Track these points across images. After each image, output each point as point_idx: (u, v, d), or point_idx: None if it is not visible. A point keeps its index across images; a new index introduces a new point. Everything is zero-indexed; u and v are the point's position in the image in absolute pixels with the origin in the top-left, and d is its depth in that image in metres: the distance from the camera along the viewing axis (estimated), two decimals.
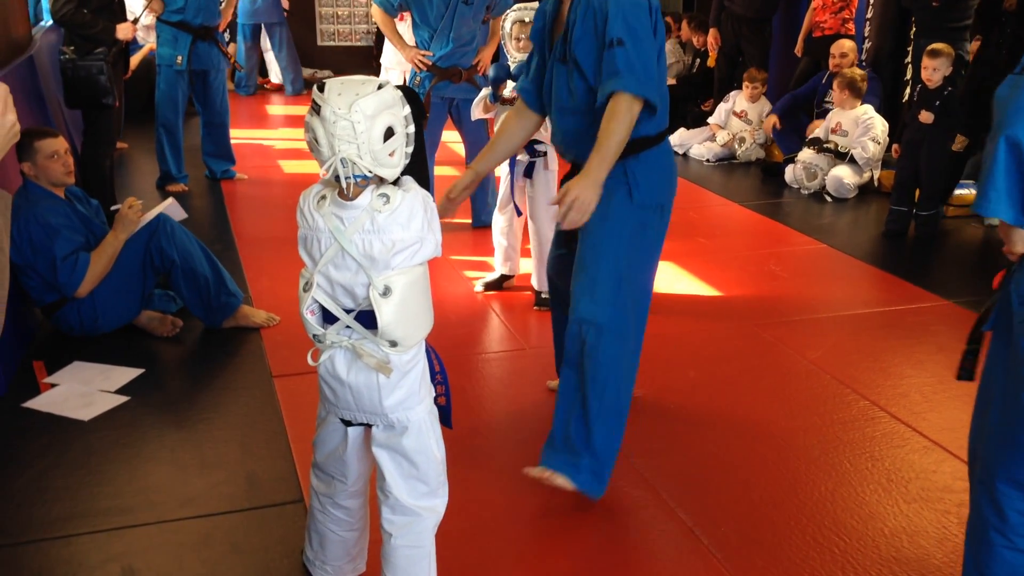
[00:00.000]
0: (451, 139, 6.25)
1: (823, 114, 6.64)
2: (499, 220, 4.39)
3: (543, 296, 4.24)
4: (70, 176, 3.84)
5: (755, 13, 7.64)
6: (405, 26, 5.81)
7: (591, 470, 2.72)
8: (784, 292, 4.59)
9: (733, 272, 4.82)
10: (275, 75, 10.59)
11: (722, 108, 7.55)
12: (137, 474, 2.95)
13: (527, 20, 4.12)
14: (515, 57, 4.18)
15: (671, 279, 4.71)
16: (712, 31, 7.94)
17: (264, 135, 8.18)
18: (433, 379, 2.22)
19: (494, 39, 5.13)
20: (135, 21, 5.65)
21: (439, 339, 3.95)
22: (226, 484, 2.89)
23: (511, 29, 4.21)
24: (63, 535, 2.63)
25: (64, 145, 3.83)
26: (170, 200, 4.10)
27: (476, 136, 5.23)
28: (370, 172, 1.92)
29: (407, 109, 1.97)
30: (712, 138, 7.48)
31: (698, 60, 8.97)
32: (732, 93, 7.55)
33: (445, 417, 2.27)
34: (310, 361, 2.10)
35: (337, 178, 1.93)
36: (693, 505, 2.79)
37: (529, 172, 4.13)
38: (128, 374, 3.58)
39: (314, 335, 2.09)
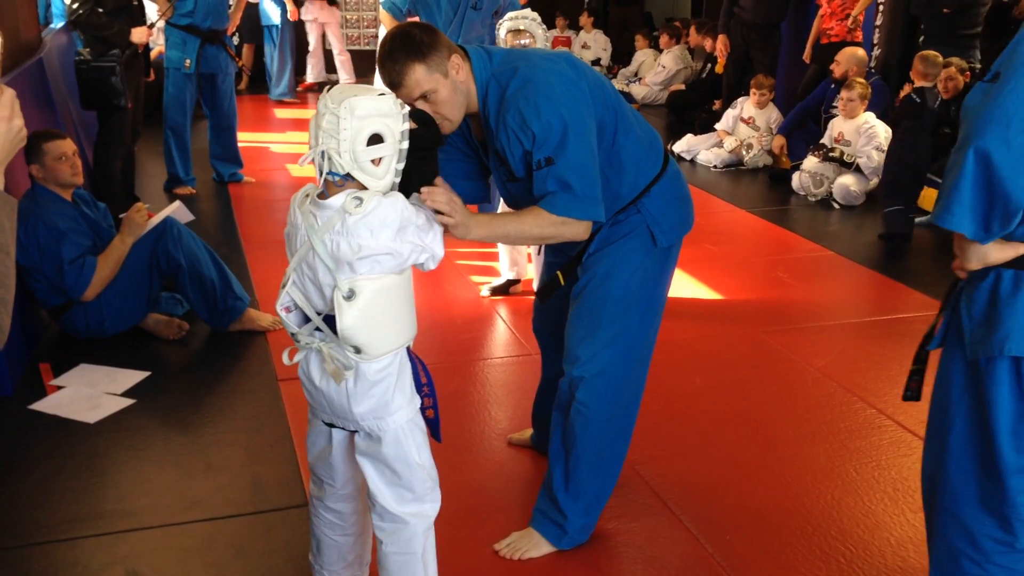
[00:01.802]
0: None
1: (830, 120, 6.62)
2: None
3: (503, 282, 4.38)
4: (78, 177, 3.85)
5: (764, 19, 7.63)
6: None
7: (578, 528, 2.59)
8: (791, 299, 4.58)
9: (740, 278, 4.82)
10: (311, 75, 10.64)
11: (730, 114, 7.55)
12: (142, 477, 2.96)
13: (522, 28, 4.13)
14: None
15: (678, 285, 4.66)
16: (721, 37, 7.94)
17: (272, 139, 8.20)
18: (420, 390, 2.14)
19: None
20: (151, 26, 5.67)
21: (445, 343, 3.97)
22: (231, 488, 2.89)
23: (505, 37, 4.20)
24: (68, 537, 2.64)
25: (72, 147, 3.84)
26: (177, 203, 4.12)
27: None
28: (345, 171, 1.89)
29: (406, 126, 1.94)
30: (719, 144, 7.47)
31: (708, 66, 8.97)
32: (740, 99, 7.54)
33: (434, 430, 2.21)
34: (285, 360, 2.06)
35: (325, 179, 1.93)
36: (698, 513, 2.78)
37: None
38: (134, 377, 3.59)
39: (292, 333, 2.05)
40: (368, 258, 1.92)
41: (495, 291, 4.51)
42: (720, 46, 7.98)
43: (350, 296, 1.92)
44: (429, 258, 2.04)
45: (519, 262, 4.48)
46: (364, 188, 1.93)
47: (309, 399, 2.14)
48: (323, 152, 1.89)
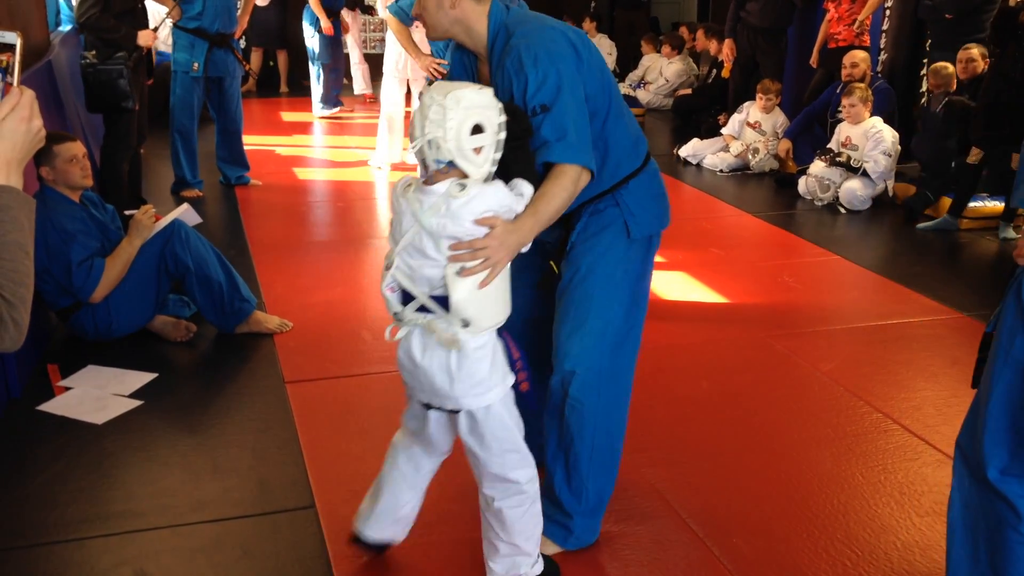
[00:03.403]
0: None
1: (836, 124, 6.62)
2: None
3: None
4: (88, 179, 3.87)
5: (771, 24, 7.64)
6: (420, 34, 5.84)
7: (583, 528, 2.61)
8: (797, 303, 4.58)
9: (746, 283, 4.82)
10: (359, 85, 10.35)
11: (736, 119, 7.55)
12: (149, 478, 2.97)
13: None
14: None
15: (684, 289, 4.70)
16: (728, 42, 7.94)
17: (278, 142, 8.22)
18: (513, 367, 2.25)
19: None
20: (155, 29, 5.69)
21: None
22: (238, 489, 2.90)
23: None
24: (76, 538, 2.65)
25: (82, 149, 3.86)
26: (185, 206, 4.13)
27: None
28: (449, 159, 2.04)
29: (503, 118, 2.09)
30: (726, 148, 7.47)
31: (714, 70, 8.97)
32: (746, 104, 7.55)
33: (531, 401, 2.33)
34: (387, 336, 2.18)
35: (426, 168, 2.07)
36: (704, 516, 2.78)
37: None
38: (142, 378, 3.60)
39: (394, 313, 2.18)
40: (470, 239, 2.08)
41: None
42: (727, 51, 7.99)
43: (461, 272, 2.07)
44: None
45: None
46: (465, 176, 2.07)
47: (407, 379, 2.24)
48: (430, 140, 2.03)
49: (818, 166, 6.38)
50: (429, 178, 2.09)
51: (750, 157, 7.30)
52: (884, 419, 3.38)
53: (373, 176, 7.08)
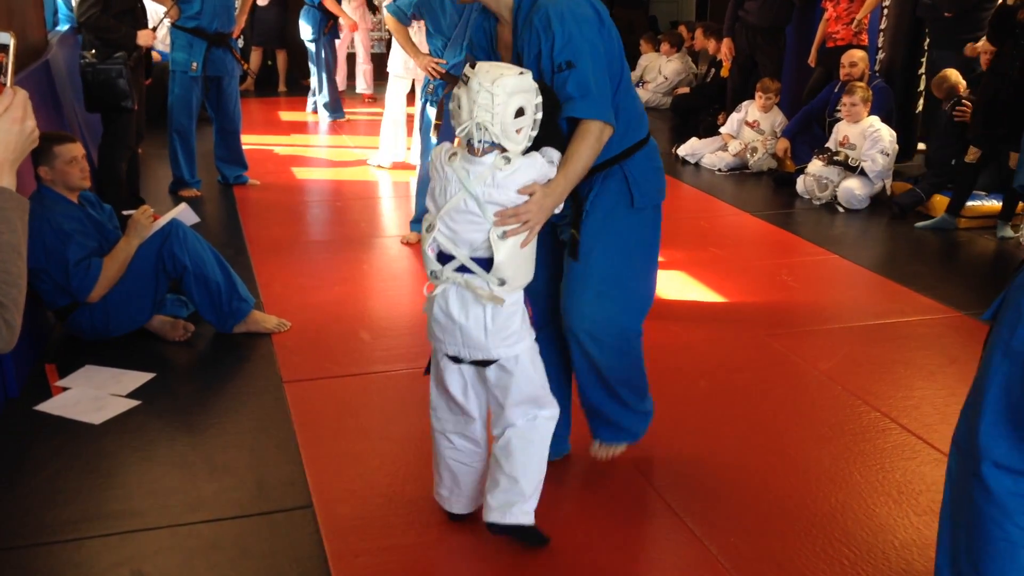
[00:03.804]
0: None
1: (834, 123, 6.62)
2: None
3: None
4: (86, 180, 3.87)
5: (769, 23, 7.63)
6: (420, 36, 5.83)
7: (639, 429, 3.01)
8: (795, 302, 4.58)
9: (744, 282, 4.82)
10: (360, 85, 10.29)
11: (734, 118, 7.55)
12: (147, 478, 2.96)
13: None
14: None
15: (682, 288, 4.70)
16: (726, 41, 7.94)
17: (277, 141, 8.21)
18: (534, 324, 2.53)
19: None
20: (154, 29, 5.68)
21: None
22: (236, 489, 2.90)
23: None
24: (73, 538, 2.64)
25: (81, 150, 3.86)
26: (183, 205, 4.13)
27: None
28: (496, 140, 2.27)
29: (539, 99, 2.31)
30: (724, 147, 7.47)
31: (713, 69, 8.97)
32: (744, 103, 7.54)
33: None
34: (426, 292, 2.41)
35: (469, 142, 2.29)
36: (702, 515, 2.78)
37: None
38: (139, 378, 3.59)
39: (432, 271, 2.39)
40: (517, 203, 2.32)
41: None
42: (725, 50, 7.99)
43: (504, 236, 2.30)
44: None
45: None
46: (505, 151, 2.30)
47: (439, 334, 2.43)
48: (478, 123, 2.25)
49: (816, 165, 6.38)
50: (474, 151, 2.30)
51: (748, 156, 7.30)
52: (882, 418, 3.38)
53: (372, 175, 7.08)
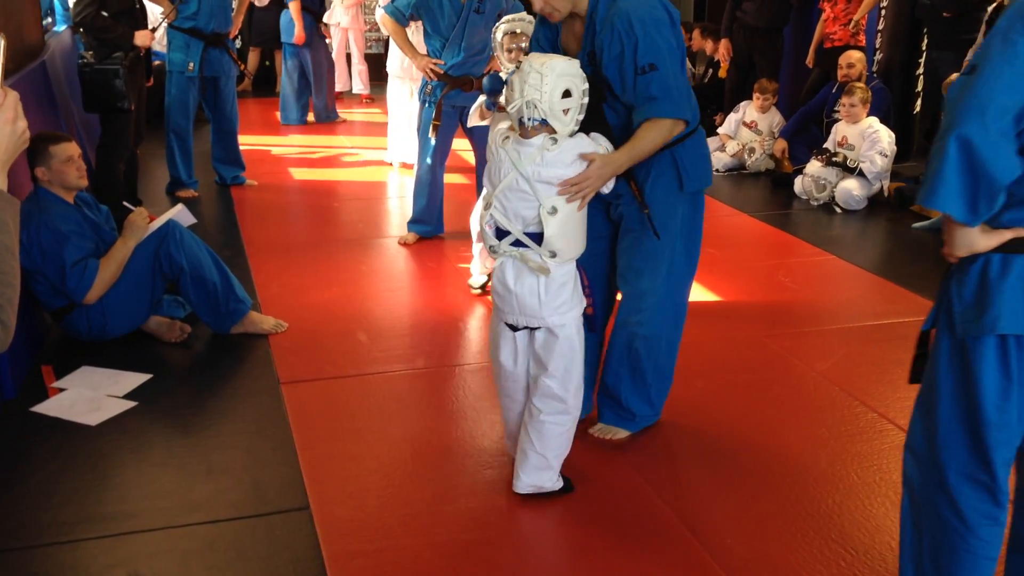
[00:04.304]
0: (461, 147, 6.26)
1: (832, 124, 6.62)
2: (475, 225, 4.42)
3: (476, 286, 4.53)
4: (83, 180, 3.86)
5: (767, 24, 7.63)
6: (419, 36, 5.82)
7: (645, 419, 3.22)
8: (793, 303, 4.58)
9: (742, 282, 4.81)
10: (357, 85, 10.20)
11: (732, 118, 7.55)
12: (144, 479, 2.96)
13: (518, 31, 4.15)
14: (507, 68, 4.19)
15: None
16: (724, 42, 7.93)
17: (274, 142, 8.21)
18: (583, 292, 2.70)
19: None
20: (153, 30, 5.67)
21: (448, 344, 3.97)
22: (232, 490, 2.89)
23: (502, 40, 4.20)
24: (70, 540, 2.64)
25: (77, 150, 3.85)
26: (179, 206, 4.12)
27: (486, 144, 5.22)
28: (543, 118, 2.48)
29: (586, 85, 2.54)
30: (722, 148, 7.47)
31: (710, 70, 8.96)
32: (742, 103, 7.54)
33: (592, 324, 2.80)
34: (487, 264, 2.60)
35: (520, 121, 2.51)
36: (697, 515, 2.78)
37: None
38: (136, 379, 3.59)
39: (491, 246, 2.65)
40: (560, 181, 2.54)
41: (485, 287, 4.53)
42: (723, 50, 7.98)
43: (553, 212, 2.53)
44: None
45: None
46: (554, 132, 2.53)
47: (500, 303, 2.68)
48: (528, 101, 2.47)
49: (814, 166, 6.37)
50: (525, 132, 2.53)
51: (746, 157, 7.30)
52: (879, 419, 3.38)
53: (370, 176, 7.07)
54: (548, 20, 2.86)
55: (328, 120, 8.96)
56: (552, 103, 2.48)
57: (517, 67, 2.53)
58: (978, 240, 1.88)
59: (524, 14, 4.32)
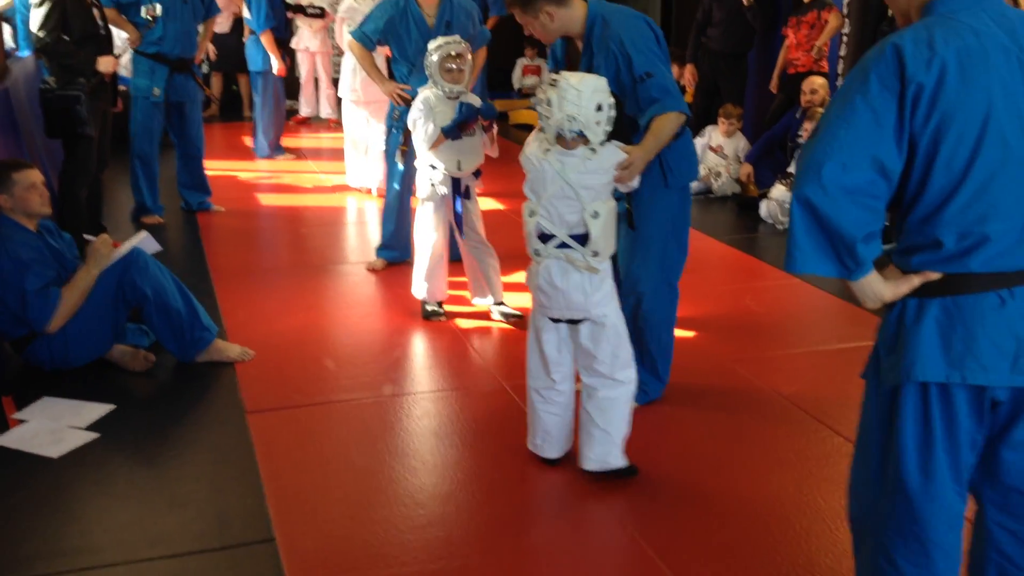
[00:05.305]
0: None
1: (796, 148, 6.70)
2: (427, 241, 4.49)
3: (429, 308, 4.56)
4: (46, 207, 3.83)
5: (731, 49, 7.72)
6: (382, 60, 5.83)
7: (654, 391, 3.62)
8: (760, 327, 4.61)
9: (709, 306, 4.84)
10: (304, 108, 10.13)
11: (698, 143, 7.60)
12: (106, 512, 2.92)
13: (454, 53, 4.17)
14: (447, 89, 4.20)
15: None
16: (689, 67, 8.02)
17: (241, 167, 8.16)
18: None
19: (474, 71, 5.14)
20: (118, 56, 5.63)
21: (416, 372, 3.95)
22: (196, 523, 2.85)
23: (440, 62, 4.19)
24: (30, 575, 2.59)
25: (40, 177, 3.82)
26: (143, 233, 4.08)
27: None
28: (580, 129, 2.78)
29: (612, 100, 2.83)
30: None
31: (688, 117, 9.03)
32: (708, 128, 7.61)
33: None
34: (533, 268, 2.96)
35: (558, 135, 2.80)
36: (664, 540, 2.77)
37: (467, 193, 4.40)
38: (99, 410, 3.54)
39: (535, 249, 2.92)
40: (604, 187, 2.90)
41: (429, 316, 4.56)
42: (688, 76, 8.06)
43: (595, 216, 2.84)
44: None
45: (481, 286, 4.54)
46: (587, 141, 2.82)
47: (545, 301, 2.96)
48: (568, 115, 2.75)
49: (779, 190, 6.44)
50: (566, 144, 2.82)
51: (712, 181, 7.36)
52: (845, 443, 3.40)
53: (337, 202, 7.04)
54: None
55: (278, 154, 8.50)
56: (588, 116, 2.77)
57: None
58: (883, 290, 1.86)
59: (456, 36, 4.36)
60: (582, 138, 2.82)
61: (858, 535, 2.06)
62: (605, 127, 2.84)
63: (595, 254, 2.87)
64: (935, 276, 1.81)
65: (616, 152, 2.92)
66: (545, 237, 2.90)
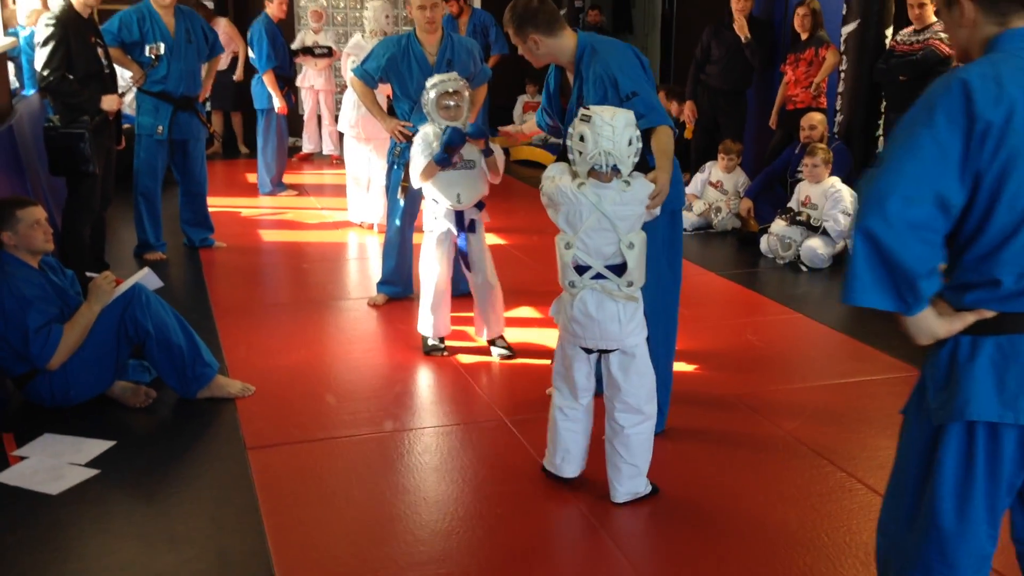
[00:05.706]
0: None
1: (796, 184, 6.73)
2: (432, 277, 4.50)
3: (430, 343, 4.56)
4: (49, 244, 3.84)
5: (731, 86, 7.79)
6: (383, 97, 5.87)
7: (657, 424, 3.38)
8: (761, 361, 4.61)
9: (710, 340, 4.84)
10: (308, 145, 10.20)
11: (698, 178, 7.65)
12: (106, 550, 2.90)
13: (451, 90, 4.20)
14: (442, 125, 4.23)
15: None
16: (689, 104, 8.07)
17: (243, 203, 8.19)
18: None
19: (475, 108, 5.17)
20: (122, 94, 5.68)
21: (417, 407, 3.94)
22: (196, 560, 2.84)
23: (436, 99, 4.22)
24: None
25: (44, 214, 3.83)
26: (145, 270, 4.09)
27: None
28: (617, 164, 2.89)
29: (638, 132, 2.96)
30: (689, 207, 7.54)
31: (676, 131, 9.09)
32: (708, 164, 7.65)
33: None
34: (569, 290, 3.02)
35: (592, 168, 2.90)
36: None
37: (472, 227, 4.41)
38: (99, 446, 3.53)
39: (570, 281, 3.00)
40: (638, 217, 3.00)
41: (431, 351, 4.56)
42: (688, 112, 8.12)
43: (631, 246, 2.95)
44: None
45: (487, 320, 4.54)
46: (620, 174, 2.93)
47: (579, 331, 3.02)
48: (604, 151, 2.87)
49: (779, 225, 6.46)
50: (600, 177, 2.92)
51: (713, 216, 7.39)
52: (848, 478, 3.39)
53: (338, 237, 7.07)
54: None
55: (280, 191, 8.58)
56: (622, 151, 2.89)
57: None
58: (937, 326, 1.84)
59: (453, 73, 4.39)
60: (615, 171, 2.92)
61: (883, 573, 2.04)
62: (634, 159, 2.96)
63: (630, 284, 2.97)
64: (990, 314, 1.81)
65: (646, 183, 3.03)
66: (581, 269, 2.98)
